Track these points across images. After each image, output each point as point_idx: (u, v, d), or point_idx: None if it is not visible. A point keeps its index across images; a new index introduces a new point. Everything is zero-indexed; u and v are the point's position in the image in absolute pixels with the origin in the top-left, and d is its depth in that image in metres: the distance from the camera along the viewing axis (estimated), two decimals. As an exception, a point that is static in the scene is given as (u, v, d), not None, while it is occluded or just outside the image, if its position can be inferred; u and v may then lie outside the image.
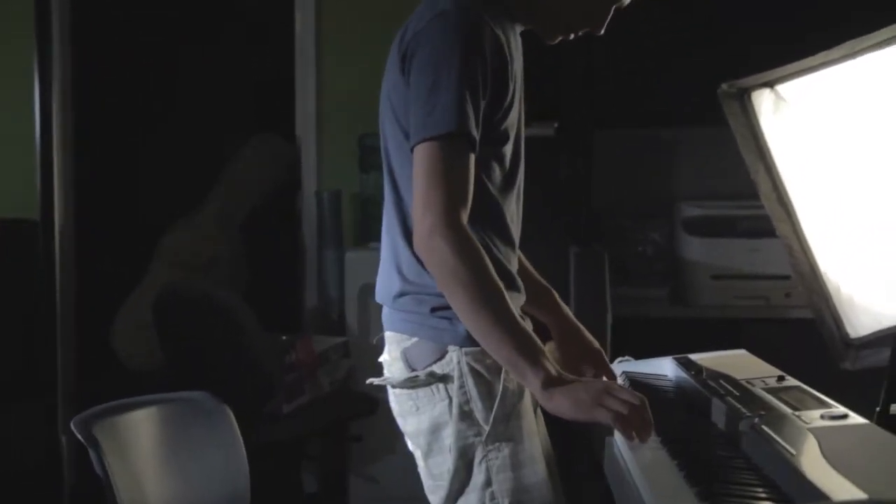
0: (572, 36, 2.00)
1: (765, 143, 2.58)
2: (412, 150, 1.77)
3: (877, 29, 2.23)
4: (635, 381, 2.10)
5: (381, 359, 1.99)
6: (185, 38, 5.93)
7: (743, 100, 2.55)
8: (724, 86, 2.56)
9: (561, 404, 1.67)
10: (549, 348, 2.13)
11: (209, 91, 5.96)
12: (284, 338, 4.03)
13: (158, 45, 5.88)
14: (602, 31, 1.97)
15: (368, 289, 4.42)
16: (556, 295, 2.20)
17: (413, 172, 1.77)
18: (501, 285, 1.75)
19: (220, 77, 5.95)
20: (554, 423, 1.89)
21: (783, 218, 2.64)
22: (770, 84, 2.52)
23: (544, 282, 2.20)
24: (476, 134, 1.76)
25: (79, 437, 2.05)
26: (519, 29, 1.96)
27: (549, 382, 1.69)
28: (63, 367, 4.57)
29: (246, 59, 5.85)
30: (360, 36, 4.61)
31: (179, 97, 5.99)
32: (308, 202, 4.72)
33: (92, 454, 2.05)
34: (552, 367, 1.71)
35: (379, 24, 4.55)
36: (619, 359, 2.25)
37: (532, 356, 1.71)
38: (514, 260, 1.98)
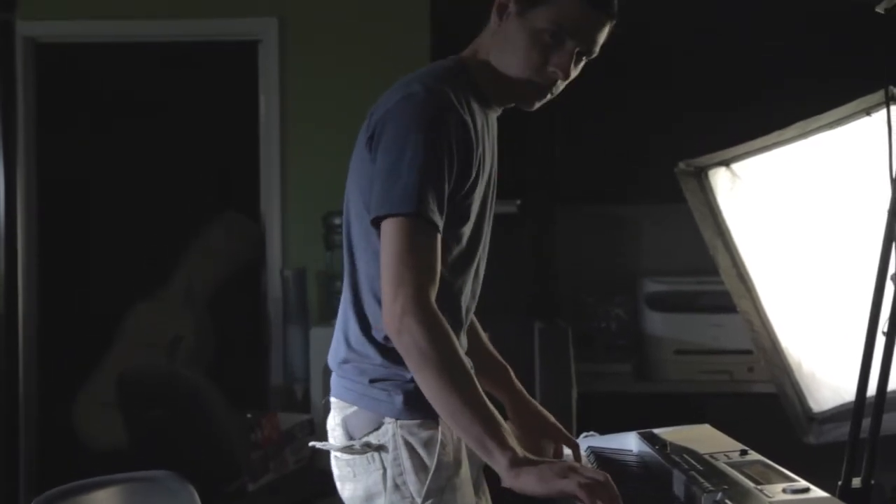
0: (549, 95, 1.95)
1: (723, 219, 2.63)
2: (373, 222, 1.79)
3: (827, 110, 2.30)
4: (600, 456, 2.10)
5: (327, 422, 2.00)
6: (150, 117, 5.96)
7: (700, 178, 2.61)
8: (681, 164, 2.61)
9: (527, 481, 1.68)
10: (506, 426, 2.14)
11: (174, 170, 5.98)
12: (249, 415, 4.00)
13: (124, 125, 5.91)
14: (569, 76, 1.91)
15: (334, 366, 4.36)
16: (512, 372, 2.21)
17: (381, 249, 1.78)
18: (469, 366, 1.77)
19: (185, 156, 5.97)
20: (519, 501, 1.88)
21: (743, 294, 2.68)
22: (726, 163, 2.58)
23: (500, 359, 2.21)
24: (436, 217, 1.77)
25: (41, 518, 2.02)
26: (496, 111, 1.99)
27: (516, 462, 1.70)
28: (25, 448, 4.50)
29: (211, 139, 5.89)
30: (324, 116, 4.67)
31: (145, 176, 6.00)
32: (273, 280, 4.72)
33: (54, 536, 2.02)
34: (518, 448, 1.72)
35: (342, 105, 4.62)
36: (584, 434, 2.25)
37: (500, 437, 1.72)
38: (462, 338, 1.98)
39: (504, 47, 1.90)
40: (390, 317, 1.74)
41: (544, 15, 1.85)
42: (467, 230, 1.91)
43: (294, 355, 4.54)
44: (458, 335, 1.93)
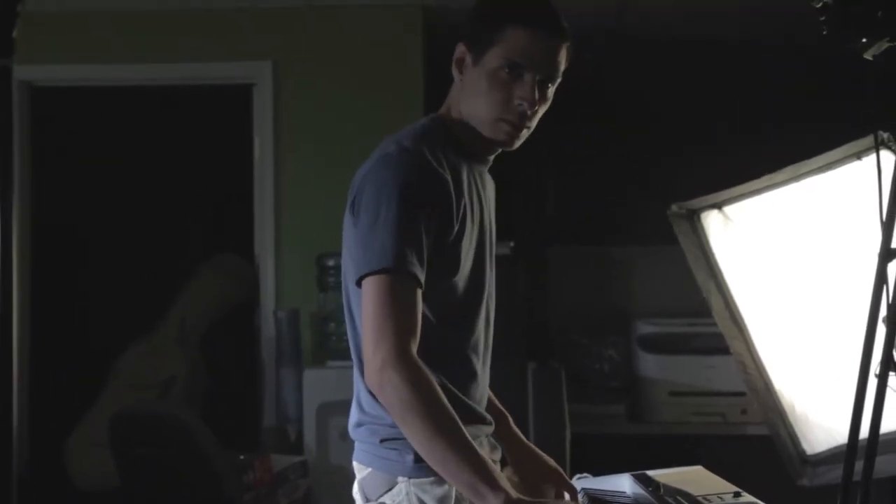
0: (525, 129, 1.94)
1: (715, 262, 2.64)
2: (357, 284, 1.80)
3: (818, 154, 2.32)
4: (594, 498, 2.10)
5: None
6: (145, 160, 5.98)
7: (693, 220, 2.62)
8: (673, 207, 2.63)
9: None
10: (507, 473, 2.14)
11: (169, 211, 5.99)
12: (242, 457, 3.98)
13: (118, 167, 5.93)
14: (535, 105, 1.90)
15: (327, 407, 4.40)
16: (511, 419, 2.20)
17: (361, 307, 1.79)
18: (454, 413, 1.76)
19: (179, 198, 5.99)
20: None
21: (736, 335, 2.68)
22: (718, 205, 2.59)
23: (500, 406, 2.19)
24: (415, 269, 1.77)
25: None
26: (486, 162, 2.01)
27: (510, 503, 1.70)
28: (17, 488, 4.47)
29: (205, 181, 5.91)
30: (318, 158, 4.69)
31: (139, 218, 6.01)
32: (266, 321, 4.72)
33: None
34: (511, 489, 1.72)
35: (336, 148, 4.65)
36: (578, 475, 2.25)
37: (491, 480, 1.71)
38: (475, 388, 1.97)
39: (469, 97, 1.92)
40: (371, 371, 1.75)
41: (496, 53, 1.87)
42: (461, 280, 1.90)
43: (287, 396, 4.52)
44: (470, 385, 1.94)
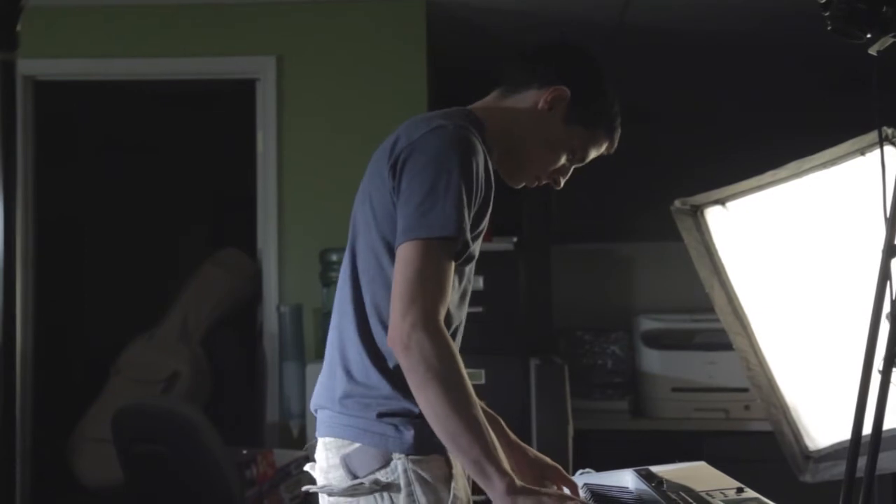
0: (536, 184, 2.14)
1: (718, 258, 2.64)
2: (398, 245, 1.78)
3: (821, 149, 2.32)
4: (596, 493, 2.10)
5: (307, 467, 1.96)
6: (149, 154, 5.99)
7: (696, 216, 2.62)
8: (676, 203, 2.63)
9: None
10: None
11: (172, 206, 6.00)
12: (245, 452, 3.99)
13: (121, 162, 5.93)
14: (561, 187, 2.15)
15: (330, 403, 4.35)
16: (503, 422, 2.19)
17: (397, 267, 1.77)
18: (472, 389, 1.75)
19: (182, 192, 6.00)
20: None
21: (739, 331, 2.68)
22: (721, 201, 2.59)
23: (490, 410, 2.17)
24: (470, 239, 1.82)
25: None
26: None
27: (514, 489, 1.69)
28: (21, 484, 4.49)
29: (209, 176, 5.92)
30: (321, 153, 4.69)
31: (142, 213, 6.02)
32: (269, 316, 4.72)
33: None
34: (515, 475, 1.72)
35: (339, 143, 4.65)
36: (580, 471, 2.25)
37: (499, 462, 1.71)
38: None
39: (537, 135, 2.05)
40: (398, 332, 1.72)
41: (582, 136, 2.07)
42: (469, 269, 1.94)
43: (290, 392, 4.53)
44: None
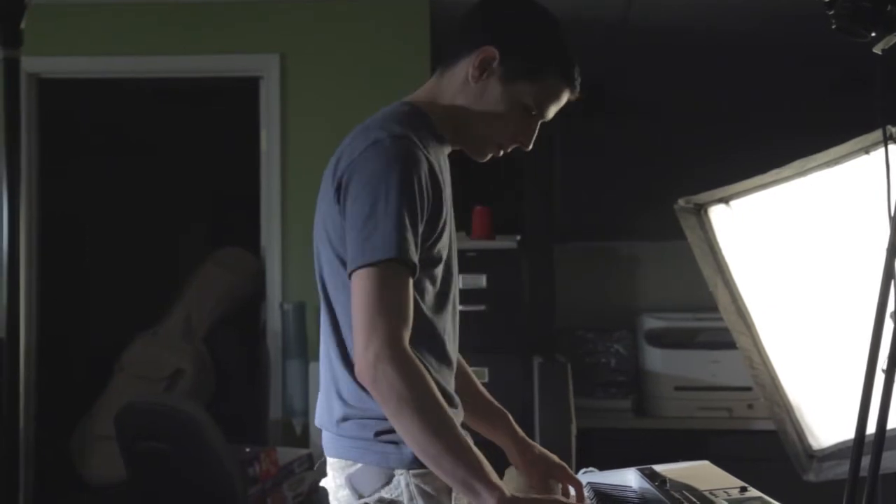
0: (502, 153, 2.03)
1: (722, 256, 2.63)
2: (350, 276, 1.76)
3: (825, 148, 2.32)
4: (599, 492, 2.10)
5: (323, 482, 1.96)
6: (152, 152, 5.99)
7: (699, 215, 2.61)
8: (680, 201, 2.62)
9: None
10: (511, 473, 2.13)
11: (175, 204, 6.00)
12: (248, 450, 3.99)
13: (125, 159, 5.94)
14: (530, 146, 2.00)
15: (333, 401, 4.35)
16: (511, 418, 2.17)
17: (352, 299, 1.75)
18: (447, 409, 1.74)
19: (186, 190, 6.00)
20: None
21: (743, 330, 2.67)
22: (725, 200, 2.58)
23: (498, 404, 2.18)
24: (415, 259, 1.76)
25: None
26: (447, 150, 1.99)
27: (504, 500, 1.68)
28: (24, 481, 4.49)
29: (212, 173, 5.92)
30: (325, 151, 4.67)
31: (145, 210, 6.02)
32: (272, 314, 4.73)
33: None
34: (505, 487, 1.71)
35: (342, 139, 4.65)
36: (584, 470, 2.25)
37: (485, 476, 1.70)
38: (452, 378, 1.96)
39: (479, 105, 1.93)
40: (364, 365, 1.70)
41: (529, 90, 1.91)
42: (440, 271, 1.89)
43: (293, 389, 4.53)
44: (447, 375, 1.92)
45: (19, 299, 1.46)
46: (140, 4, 4.76)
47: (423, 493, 1.80)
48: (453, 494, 1.82)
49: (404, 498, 1.80)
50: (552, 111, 1.97)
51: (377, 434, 1.82)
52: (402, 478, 1.81)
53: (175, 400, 4.33)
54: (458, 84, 1.94)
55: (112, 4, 4.77)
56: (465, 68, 1.93)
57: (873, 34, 1.63)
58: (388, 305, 1.71)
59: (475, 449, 1.74)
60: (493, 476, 1.71)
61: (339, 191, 1.82)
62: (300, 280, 4.69)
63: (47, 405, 4.87)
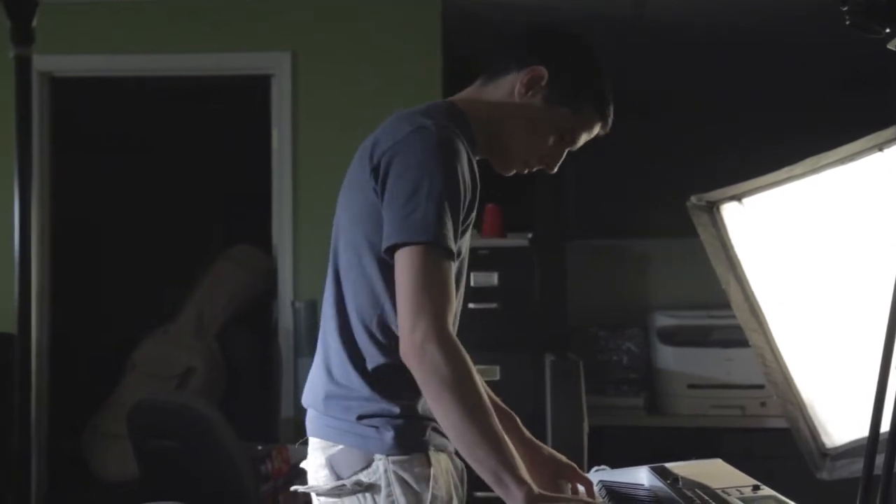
0: (527, 171, 2.07)
1: (734, 254, 2.62)
2: (388, 251, 1.77)
3: (838, 145, 2.31)
4: (611, 490, 2.10)
5: (303, 464, 1.97)
6: (164, 150, 6.00)
7: (712, 212, 2.60)
8: (692, 199, 2.61)
9: None
10: None
11: (186, 202, 6.01)
12: (260, 448, 4.00)
13: (137, 158, 5.95)
14: (555, 170, 2.06)
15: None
16: (518, 420, 2.17)
17: (397, 276, 1.76)
18: (486, 398, 1.74)
19: (197, 188, 6.01)
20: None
21: (755, 328, 2.66)
22: (737, 197, 2.57)
23: (505, 406, 2.17)
24: (453, 246, 1.76)
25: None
26: (477, 157, 1.99)
27: (532, 498, 1.68)
28: (36, 478, 4.51)
29: (224, 171, 5.93)
30: (336, 149, 4.68)
31: (157, 208, 6.03)
32: (284, 312, 4.73)
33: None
34: (534, 484, 1.71)
35: (354, 138, 4.63)
36: (595, 468, 2.25)
37: (516, 471, 1.70)
38: None
39: (517, 121, 1.99)
40: (410, 346, 1.71)
41: (568, 119, 1.99)
42: (455, 265, 1.89)
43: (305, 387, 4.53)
44: None
45: (31, 297, 1.46)
46: (153, 2, 4.77)
47: (401, 480, 1.80)
48: (430, 483, 1.82)
49: (382, 483, 1.80)
50: (582, 141, 2.04)
51: (359, 417, 1.83)
52: (381, 463, 1.81)
53: (187, 398, 4.34)
54: (502, 96, 1.99)
55: (125, 2, 4.78)
56: (511, 82, 1.98)
57: (888, 30, 1.62)
58: (435, 287, 1.72)
59: (510, 443, 1.74)
60: (524, 471, 1.71)
61: (378, 170, 1.83)
62: (312, 278, 4.69)
63: (59, 403, 4.88)
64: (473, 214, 1.90)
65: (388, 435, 1.80)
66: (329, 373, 1.89)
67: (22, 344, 1.46)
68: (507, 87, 1.98)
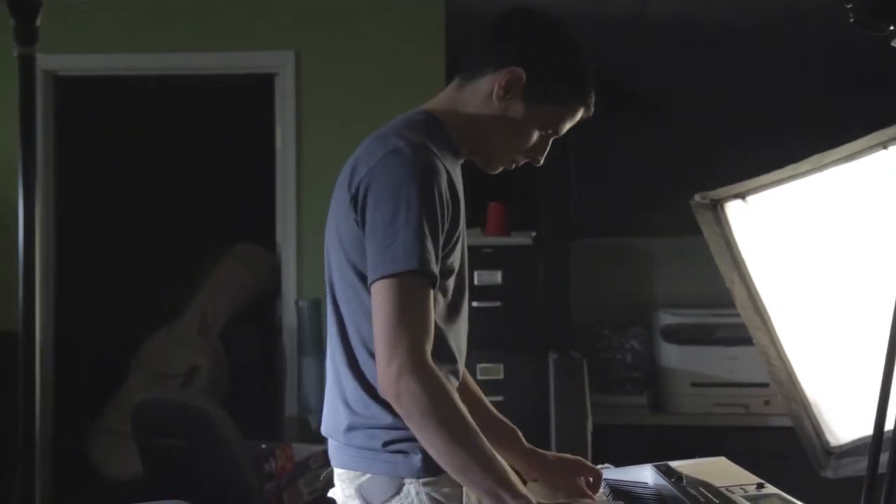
0: (514, 166, 2.04)
1: (738, 252, 2.62)
2: (370, 285, 1.76)
3: (842, 143, 2.31)
4: (616, 489, 2.10)
5: (331, 493, 1.96)
6: (167, 149, 6.00)
7: (716, 210, 2.60)
8: (696, 197, 2.61)
9: None
10: (533, 488, 2.11)
11: (190, 200, 6.01)
12: (264, 446, 4.00)
13: (141, 156, 5.95)
14: (541, 162, 2.03)
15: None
16: (519, 433, 2.16)
17: (373, 310, 1.75)
18: (472, 420, 1.74)
19: (201, 187, 6.01)
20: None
21: (759, 326, 2.66)
22: (741, 195, 2.57)
23: (507, 420, 2.17)
24: (436, 270, 1.75)
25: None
26: (460, 161, 1.99)
27: None
28: (40, 477, 4.51)
29: (228, 170, 5.93)
30: (339, 147, 4.68)
31: (161, 207, 6.04)
32: (288, 310, 4.73)
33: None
34: (531, 495, 1.72)
35: (357, 137, 4.63)
36: (599, 466, 2.25)
37: (511, 486, 1.71)
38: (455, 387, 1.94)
39: (499, 122, 1.94)
40: (387, 380, 1.70)
41: (551, 114, 1.95)
42: (452, 282, 1.89)
43: (309, 386, 4.54)
44: (456, 383, 1.92)
45: (35, 295, 1.46)
46: (157, 1, 4.77)
47: (434, 501, 1.81)
48: (464, 500, 1.82)
49: None
50: (567, 128, 2.00)
51: (385, 444, 1.82)
52: (412, 486, 1.80)
53: (191, 396, 4.35)
54: (481, 98, 1.95)
55: (129, 2, 4.78)
56: (489, 84, 1.93)
57: (892, 28, 1.61)
58: (409, 318, 1.71)
59: (500, 460, 1.75)
60: (520, 485, 1.74)
61: (356, 199, 1.81)
62: (315, 276, 4.69)
63: (64, 402, 4.89)
64: (462, 225, 1.88)
65: (416, 458, 1.79)
66: (346, 403, 1.87)
67: (26, 342, 1.46)
68: (485, 89, 1.94)
